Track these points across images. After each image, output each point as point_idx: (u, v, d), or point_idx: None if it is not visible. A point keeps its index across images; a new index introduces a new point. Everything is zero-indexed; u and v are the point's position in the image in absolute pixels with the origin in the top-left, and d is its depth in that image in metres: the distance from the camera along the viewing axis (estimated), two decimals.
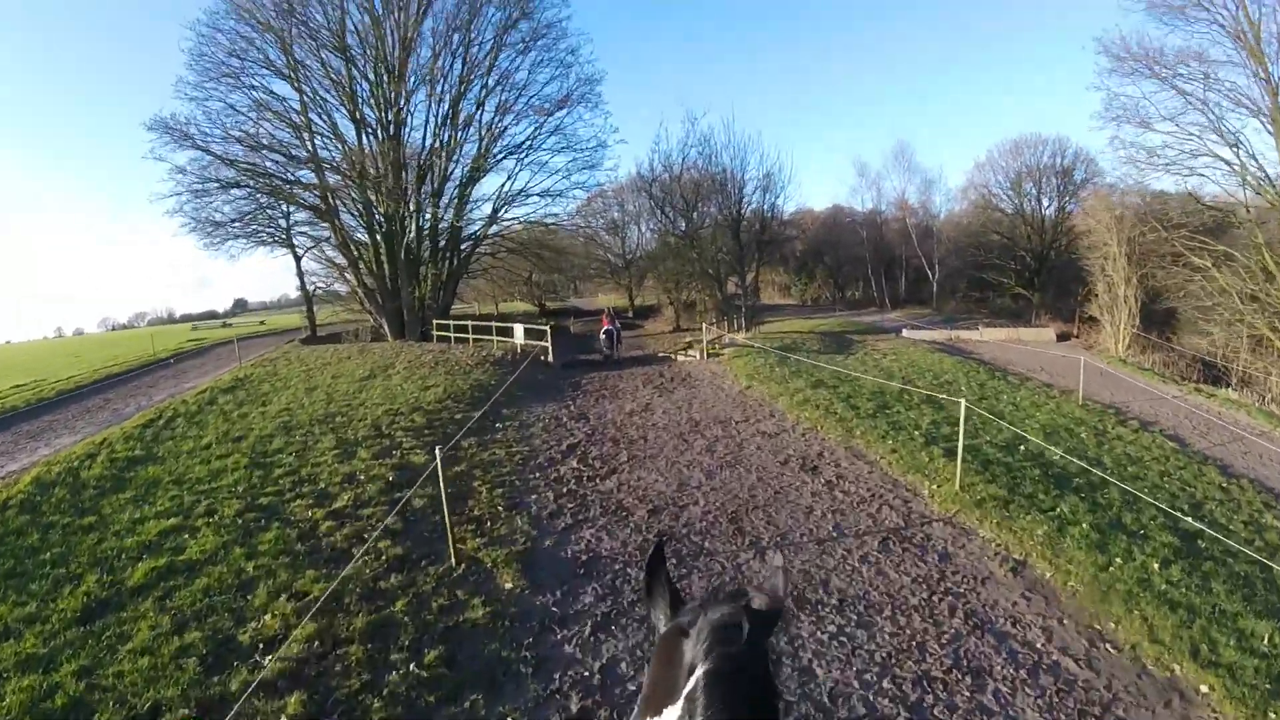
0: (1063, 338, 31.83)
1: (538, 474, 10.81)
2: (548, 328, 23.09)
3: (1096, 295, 31.58)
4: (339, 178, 28.28)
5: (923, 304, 48.32)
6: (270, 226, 31.18)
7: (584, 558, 7.81)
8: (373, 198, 28.34)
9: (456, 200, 29.97)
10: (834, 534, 8.50)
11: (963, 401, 9.81)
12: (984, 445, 12.32)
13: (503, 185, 31.66)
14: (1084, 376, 21.54)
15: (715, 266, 33.09)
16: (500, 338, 24.13)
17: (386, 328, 29.10)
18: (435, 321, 27.81)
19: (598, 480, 10.49)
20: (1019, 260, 47.78)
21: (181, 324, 70.66)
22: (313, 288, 34.61)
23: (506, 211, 31.66)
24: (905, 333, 30.48)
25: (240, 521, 8.81)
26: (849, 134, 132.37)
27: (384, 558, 7.75)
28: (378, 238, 28.93)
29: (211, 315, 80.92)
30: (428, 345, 24.46)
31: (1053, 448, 11.96)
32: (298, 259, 33.04)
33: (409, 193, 28.85)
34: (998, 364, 24.47)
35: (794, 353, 22.49)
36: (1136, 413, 17.21)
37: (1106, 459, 12.77)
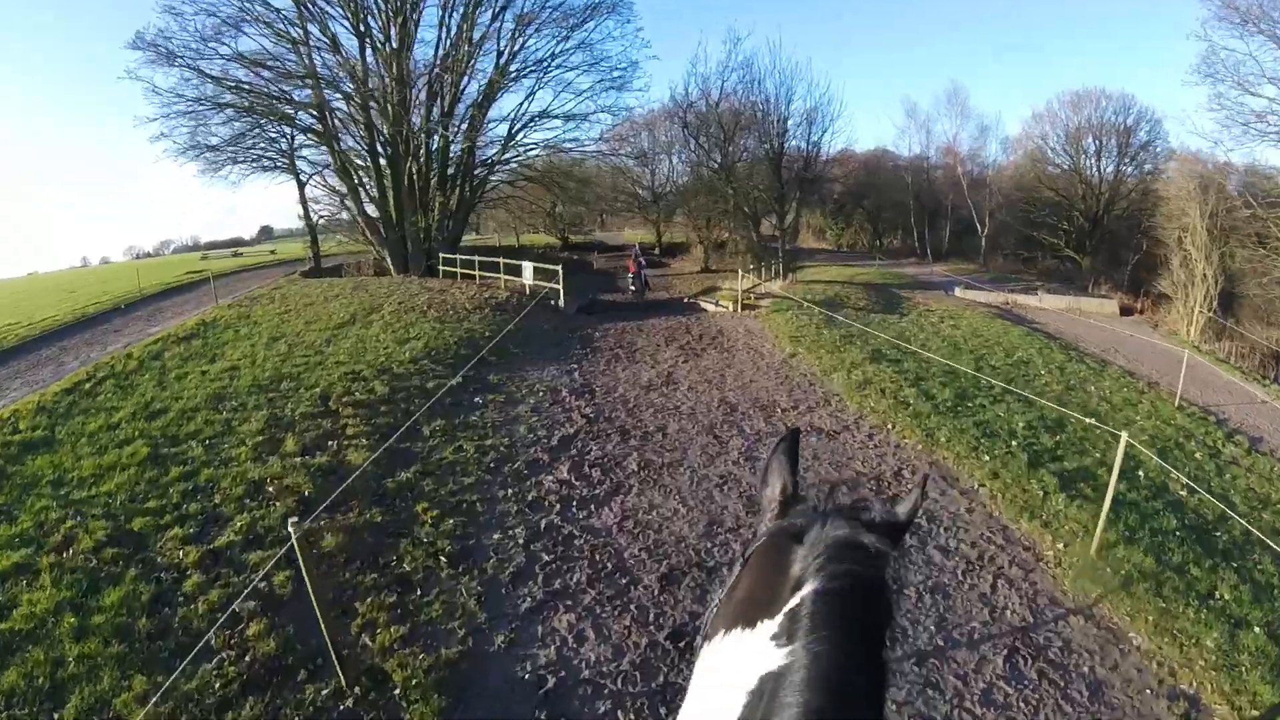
0: (1125, 312, 27.92)
1: (511, 489, 7.84)
2: (559, 267, 19.81)
3: (1170, 270, 27.67)
4: (337, 94, 24.76)
5: (966, 258, 44.03)
6: (271, 150, 27.70)
7: (550, 680, 4.88)
8: (375, 117, 24.89)
9: (469, 122, 26.28)
10: (939, 640, 5.52)
11: (1123, 435, 6.61)
12: (1094, 465, 9.24)
13: (520, 104, 27.84)
14: (1159, 364, 18.50)
15: (752, 204, 29.31)
16: (508, 276, 21.01)
17: (389, 260, 26.01)
18: (442, 255, 24.69)
19: (593, 507, 7.49)
20: (1072, 221, 43.09)
21: (204, 250, 67.64)
22: (317, 217, 31.25)
23: (525, 135, 27.84)
24: (958, 291, 26.84)
25: (93, 563, 6.09)
26: (898, 71, 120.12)
27: (248, 657, 4.94)
28: (380, 162, 25.54)
29: (237, 242, 77.86)
30: (429, 282, 21.39)
31: (1177, 473, 8.90)
32: (301, 186, 29.57)
33: (415, 111, 25.33)
34: (1066, 339, 21.05)
35: (839, 309, 19.21)
36: (1236, 421, 14.01)
37: (1236, 496, 9.68)
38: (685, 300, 24.99)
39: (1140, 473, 9.24)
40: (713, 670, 0.93)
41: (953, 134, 47.04)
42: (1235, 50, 23.46)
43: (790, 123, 27.05)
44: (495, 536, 6.73)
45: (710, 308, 21.03)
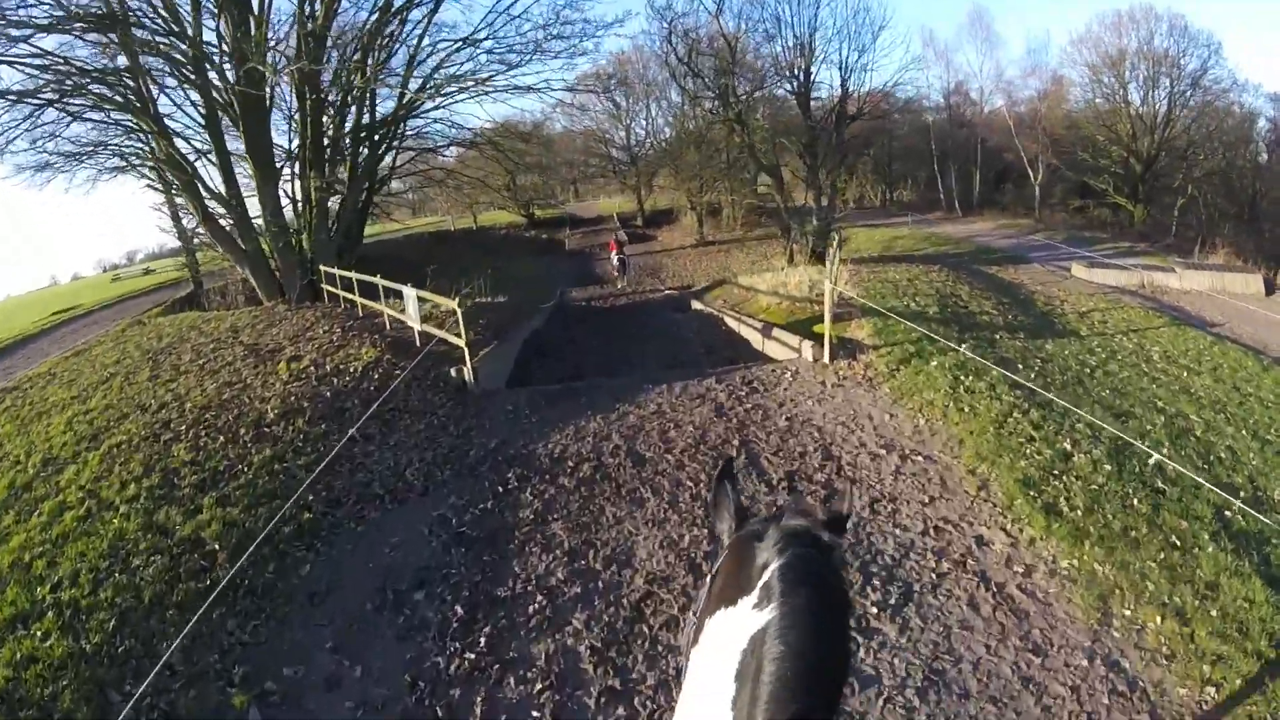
0: (1269, 287, 18.80)
1: None
2: (457, 303, 9.77)
3: None
4: (150, 31, 15.06)
5: (1006, 211, 34.95)
6: (128, 143, 17.58)
7: None
8: (212, 70, 15.42)
9: (356, 59, 16.66)
10: None
11: None
12: None
13: (423, 20, 17.88)
14: None
15: (770, 154, 19.96)
16: (393, 311, 11.96)
17: (255, 281, 16.77)
18: (324, 270, 15.52)
19: None
20: (1123, 164, 33.61)
21: (116, 272, 55.29)
22: (192, 230, 21.13)
23: (437, 72, 17.93)
24: (1075, 271, 17.84)
25: None
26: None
27: None
28: (225, 141, 16.07)
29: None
30: (274, 329, 11.95)
31: None
32: (168, 188, 19.57)
33: (276, 50, 15.91)
34: None
35: (972, 331, 10.37)
36: None
37: None
38: (689, 299, 16.23)
39: None
40: (708, 640, 1.01)
41: (979, 65, 37.61)
42: None
43: (819, 36, 17.67)
44: None
45: (768, 347, 11.63)
